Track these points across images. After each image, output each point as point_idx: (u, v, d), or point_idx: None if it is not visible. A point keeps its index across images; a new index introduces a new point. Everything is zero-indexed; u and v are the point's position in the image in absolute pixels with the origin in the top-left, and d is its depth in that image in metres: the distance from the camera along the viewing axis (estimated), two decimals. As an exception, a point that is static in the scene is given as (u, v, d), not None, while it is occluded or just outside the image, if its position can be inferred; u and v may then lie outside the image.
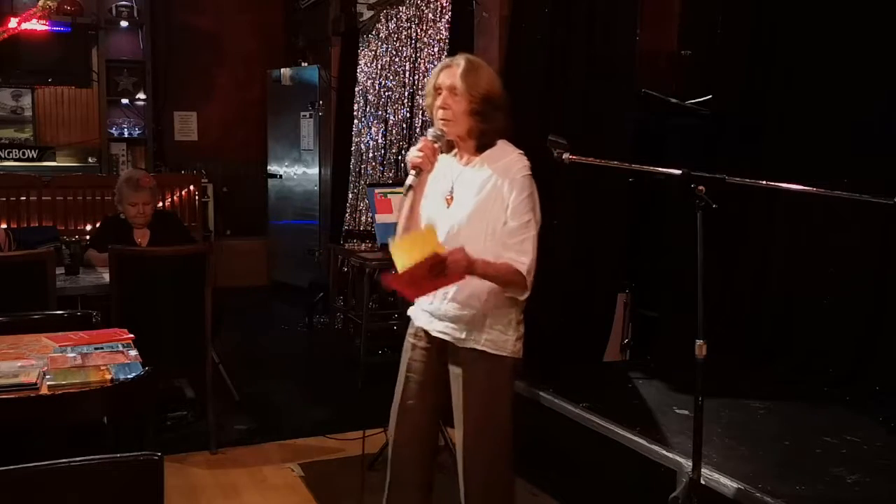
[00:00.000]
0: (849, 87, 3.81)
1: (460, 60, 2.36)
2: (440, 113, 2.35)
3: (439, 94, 2.36)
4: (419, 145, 2.37)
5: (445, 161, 2.45)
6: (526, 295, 2.34)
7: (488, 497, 2.47)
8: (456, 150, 2.45)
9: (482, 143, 2.38)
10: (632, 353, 4.41)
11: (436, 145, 2.37)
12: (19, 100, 7.19)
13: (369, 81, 6.14)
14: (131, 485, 1.61)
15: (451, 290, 2.37)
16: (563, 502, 3.41)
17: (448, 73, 2.34)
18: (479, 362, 2.39)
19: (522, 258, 2.28)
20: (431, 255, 2.11)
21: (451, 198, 2.41)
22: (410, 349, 2.55)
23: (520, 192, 2.30)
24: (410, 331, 2.58)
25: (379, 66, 5.95)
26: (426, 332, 2.51)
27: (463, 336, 2.40)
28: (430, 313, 2.47)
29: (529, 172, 2.33)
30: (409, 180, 2.35)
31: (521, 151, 2.39)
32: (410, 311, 2.59)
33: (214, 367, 4.15)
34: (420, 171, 2.35)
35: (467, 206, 2.36)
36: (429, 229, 2.29)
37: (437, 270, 2.13)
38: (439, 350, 2.48)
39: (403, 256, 2.15)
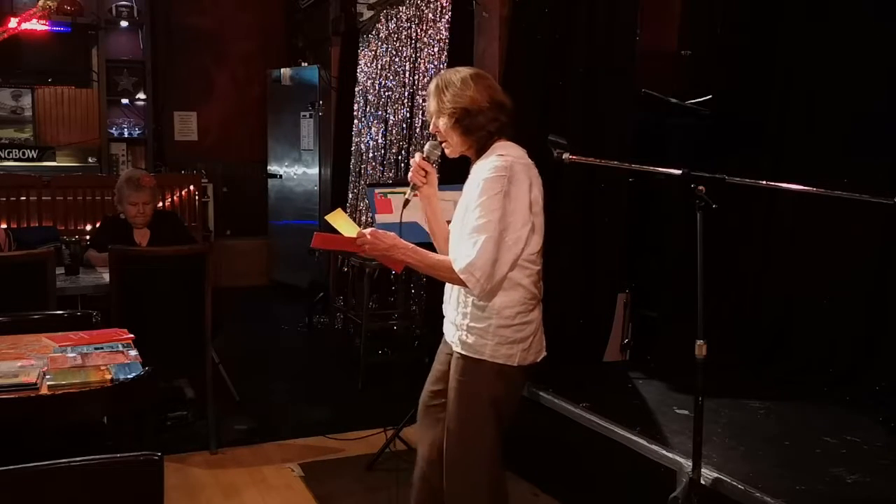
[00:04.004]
0: (849, 86, 3.81)
1: (432, 85, 2.46)
2: (438, 136, 2.47)
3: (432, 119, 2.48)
4: (414, 161, 2.51)
5: None
6: (476, 292, 2.30)
7: (461, 498, 2.49)
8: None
9: (477, 150, 2.44)
10: (632, 353, 4.41)
11: (425, 159, 2.49)
12: (19, 100, 7.19)
13: (369, 81, 6.13)
14: (131, 485, 1.61)
15: (447, 293, 2.49)
16: (564, 502, 3.41)
17: (429, 100, 2.46)
18: (461, 365, 2.43)
19: (462, 256, 2.28)
20: (351, 237, 2.39)
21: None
22: (441, 342, 2.64)
23: (481, 194, 2.29)
24: None
25: (379, 66, 5.95)
26: None
27: (450, 338, 2.48)
28: (445, 315, 2.56)
29: (501, 173, 2.28)
30: (407, 194, 2.50)
31: (504, 153, 2.35)
32: None
33: (214, 367, 4.15)
34: (415, 186, 2.49)
35: (460, 210, 2.44)
36: (338, 212, 2.48)
37: (354, 246, 2.39)
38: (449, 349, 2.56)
39: (336, 224, 2.46)
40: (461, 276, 2.27)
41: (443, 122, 2.41)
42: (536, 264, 2.39)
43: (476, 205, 2.28)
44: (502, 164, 2.30)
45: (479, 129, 2.38)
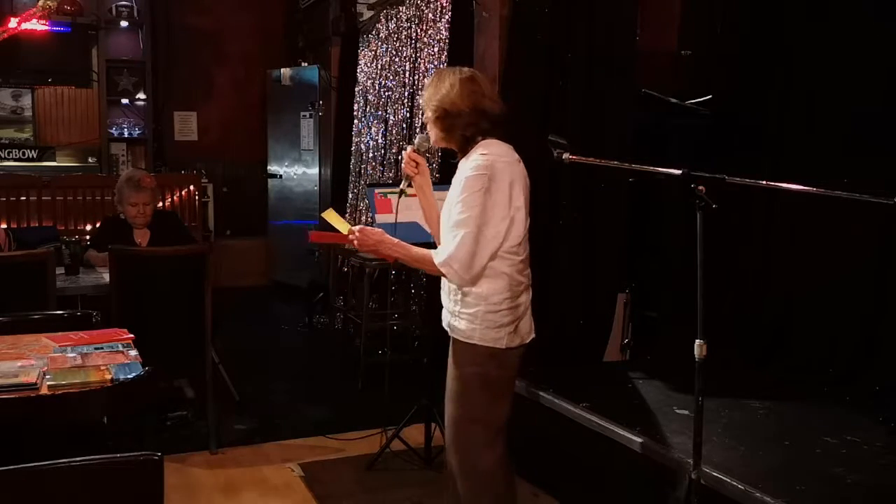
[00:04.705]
0: (849, 86, 3.81)
1: (433, 75, 2.56)
2: (427, 124, 2.58)
3: None
4: (405, 153, 2.63)
5: None
6: (456, 282, 2.42)
7: (463, 482, 2.56)
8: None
9: (460, 148, 2.53)
10: (632, 353, 4.41)
11: (415, 151, 2.62)
12: (19, 100, 7.19)
13: (369, 81, 6.13)
14: (131, 485, 1.61)
15: (444, 282, 2.57)
16: (563, 502, 3.41)
17: (426, 88, 2.56)
18: (455, 349, 2.54)
19: (443, 250, 2.40)
20: (343, 233, 2.55)
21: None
22: None
23: (462, 191, 2.40)
24: None
25: (379, 66, 5.95)
26: None
27: (446, 324, 2.58)
28: (443, 304, 2.64)
29: (482, 171, 2.38)
30: (402, 185, 2.64)
31: (486, 151, 2.43)
32: None
33: (214, 367, 4.15)
34: (409, 177, 2.63)
35: (447, 204, 2.54)
36: (330, 211, 2.67)
37: (347, 240, 2.54)
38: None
39: (331, 221, 2.64)
40: (441, 269, 2.40)
41: (427, 115, 2.54)
42: (519, 254, 2.48)
43: (458, 201, 2.39)
44: (483, 163, 2.40)
45: (455, 131, 2.48)
